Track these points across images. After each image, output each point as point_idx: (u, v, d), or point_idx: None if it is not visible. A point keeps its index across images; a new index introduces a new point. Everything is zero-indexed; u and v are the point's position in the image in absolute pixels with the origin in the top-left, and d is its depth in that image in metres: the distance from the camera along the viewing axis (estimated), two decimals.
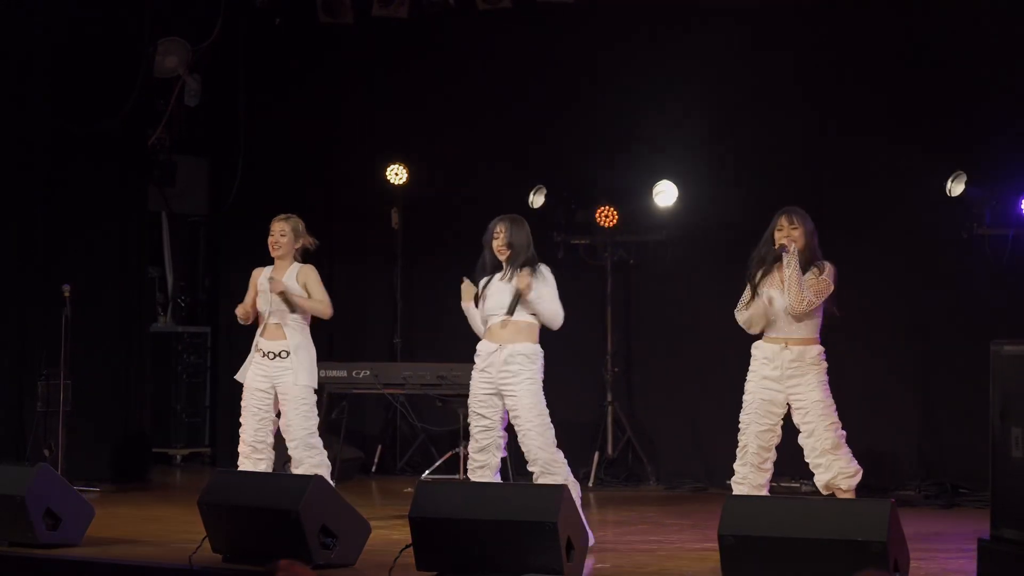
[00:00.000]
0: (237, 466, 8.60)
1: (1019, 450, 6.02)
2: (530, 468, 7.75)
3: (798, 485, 9.87)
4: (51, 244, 10.96)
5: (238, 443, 8.67)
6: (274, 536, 6.80)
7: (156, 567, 7.24)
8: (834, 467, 7.46)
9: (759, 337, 7.75)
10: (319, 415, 8.67)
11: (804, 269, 7.55)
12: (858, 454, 7.60)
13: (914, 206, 10.32)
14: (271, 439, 8.53)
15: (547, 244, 10.36)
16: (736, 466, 7.65)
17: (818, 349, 7.58)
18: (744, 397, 7.69)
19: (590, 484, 10.76)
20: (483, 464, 7.85)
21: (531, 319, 7.82)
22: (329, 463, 8.51)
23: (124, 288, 11.43)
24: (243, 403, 8.61)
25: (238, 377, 8.65)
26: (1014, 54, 10.02)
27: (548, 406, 7.77)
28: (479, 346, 7.89)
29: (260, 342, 8.53)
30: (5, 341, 10.77)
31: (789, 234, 7.59)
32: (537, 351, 7.82)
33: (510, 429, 7.93)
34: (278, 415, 8.50)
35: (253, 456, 8.47)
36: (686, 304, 11.05)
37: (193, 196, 12.79)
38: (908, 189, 10.34)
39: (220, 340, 12.46)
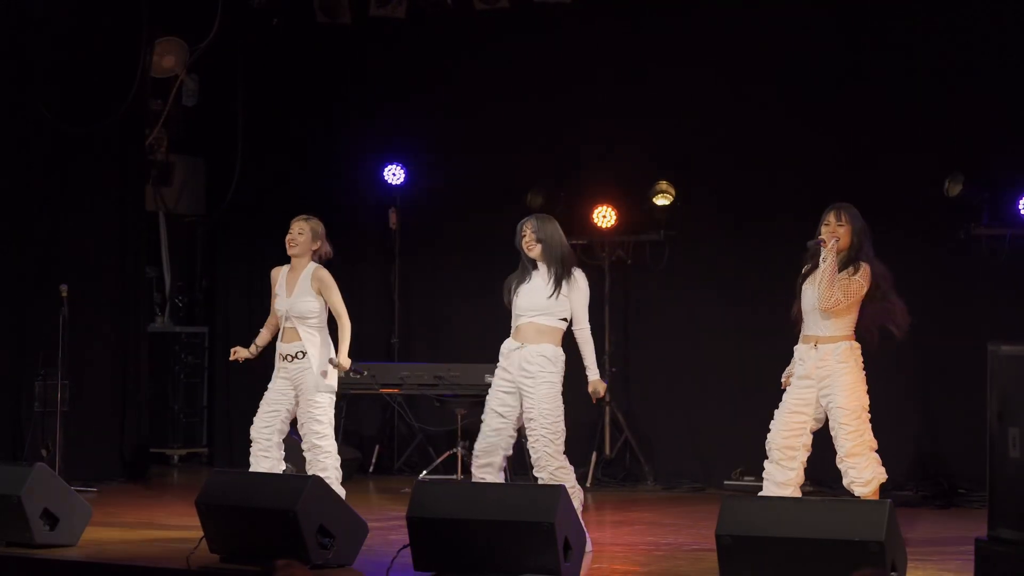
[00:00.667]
0: (241, 465, 8.51)
1: (1016, 450, 6.02)
2: (536, 474, 7.70)
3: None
4: (49, 244, 10.96)
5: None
6: (272, 536, 6.80)
7: (154, 567, 7.23)
8: (850, 474, 7.45)
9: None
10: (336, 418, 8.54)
11: (843, 267, 7.51)
12: None
13: (912, 206, 10.32)
14: (278, 438, 8.43)
15: None
16: (766, 462, 7.64)
17: (846, 345, 7.48)
18: (783, 395, 7.68)
19: (588, 484, 10.75)
20: (487, 462, 7.78)
21: (558, 324, 7.77)
22: (337, 469, 8.33)
23: (122, 288, 11.44)
24: (263, 403, 8.51)
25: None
26: (1012, 54, 10.03)
27: None
28: (504, 344, 7.86)
29: (279, 347, 8.47)
30: (3, 341, 10.76)
31: (835, 231, 7.56)
32: (558, 354, 7.74)
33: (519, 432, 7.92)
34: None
35: (260, 453, 8.38)
36: (684, 304, 11.05)
37: (191, 196, 12.79)
38: (906, 189, 10.34)
39: (218, 340, 12.44)
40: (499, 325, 8.01)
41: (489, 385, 7.95)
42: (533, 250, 7.80)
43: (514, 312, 7.84)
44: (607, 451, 11.12)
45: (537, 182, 11.25)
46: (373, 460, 11.75)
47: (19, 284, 10.85)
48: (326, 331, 8.47)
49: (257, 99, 12.19)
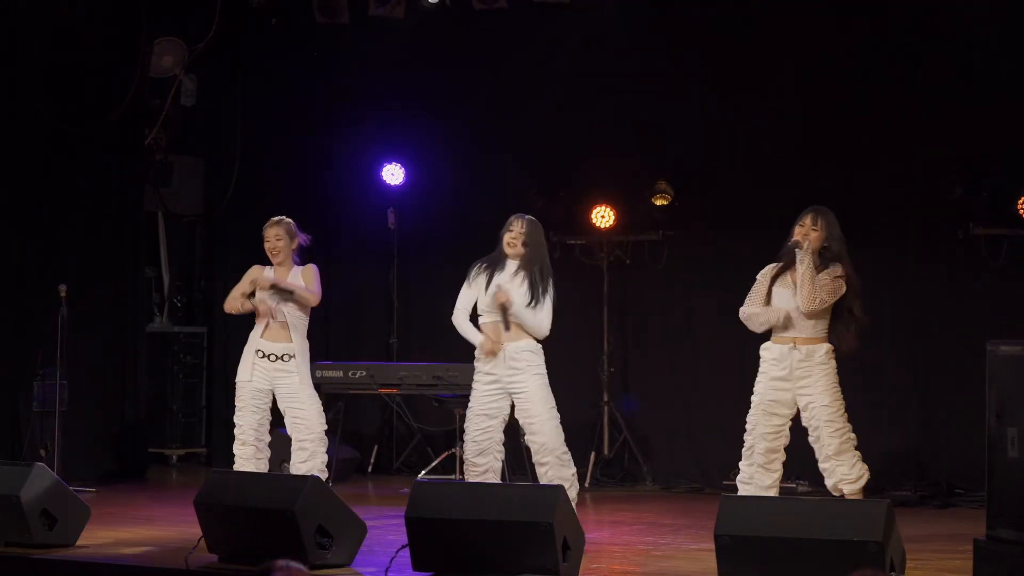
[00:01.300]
0: (234, 465, 8.60)
1: (1015, 450, 6.03)
2: (542, 461, 7.79)
3: (794, 485, 9.88)
4: (47, 244, 10.95)
5: (234, 443, 8.68)
6: (270, 536, 6.80)
7: (152, 567, 7.23)
8: (837, 472, 7.47)
9: (764, 337, 7.76)
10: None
11: (819, 269, 7.52)
12: None
13: (911, 207, 10.33)
14: (268, 438, 8.60)
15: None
16: (742, 465, 7.66)
17: (826, 347, 7.56)
18: (752, 398, 7.70)
19: (586, 484, 10.76)
20: (485, 469, 7.87)
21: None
22: (323, 461, 8.57)
23: (120, 288, 11.43)
24: (240, 402, 8.60)
25: (239, 378, 8.64)
26: (1011, 54, 10.03)
27: None
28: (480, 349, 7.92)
29: (261, 343, 8.50)
30: (1, 341, 10.76)
31: (808, 232, 7.58)
32: (539, 347, 7.94)
33: (511, 431, 7.94)
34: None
35: (255, 456, 8.47)
36: (682, 304, 11.05)
37: (189, 196, 12.78)
38: (905, 190, 10.35)
39: (216, 340, 12.45)
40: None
41: None
42: (514, 248, 7.90)
43: (481, 306, 7.94)
44: (606, 451, 11.12)
45: (536, 182, 11.25)
46: (372, 460, 11.75)
47: (18, 284, 10.85)
48: (305, 334, 8.58)
49: (256, 99, 12.19)
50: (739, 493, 7.64)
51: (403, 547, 6.53)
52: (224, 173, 12.24)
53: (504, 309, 7.87)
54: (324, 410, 8.78)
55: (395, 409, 11.71)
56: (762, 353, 7.72)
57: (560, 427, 7.90)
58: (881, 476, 9.93)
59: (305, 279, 8.58)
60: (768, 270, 7.81)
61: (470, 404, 8.06)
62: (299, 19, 11.82)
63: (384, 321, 12.12)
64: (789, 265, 7.66)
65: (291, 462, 8.59)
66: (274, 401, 8.63)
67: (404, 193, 11.98)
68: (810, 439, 7.60)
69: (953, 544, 7.73)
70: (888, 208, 10.39)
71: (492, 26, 11.43)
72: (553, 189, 11.25)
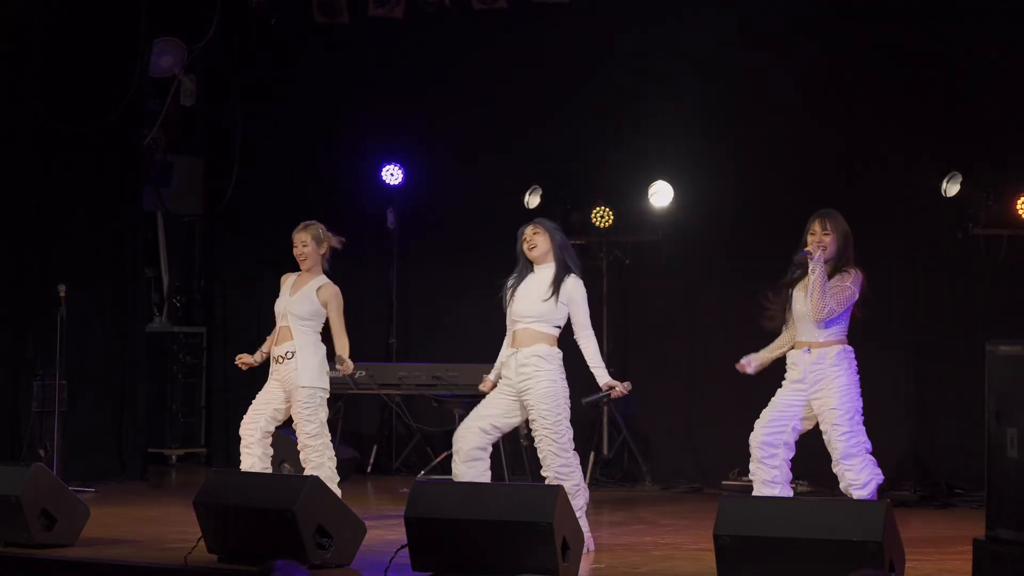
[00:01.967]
0: (236, 465, 8.55)
1: (1014, 450, 6.03)
2: (543, 473, 7.68)
3: (794, 485, 9.87)
4: (47, 244, 10.96)
5: (237, 443, 8.64)
6: (270, 536, 6.80)
7: (151, 567, 7.23)
8: (847, 477, 7.43)
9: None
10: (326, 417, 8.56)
11: (832, 274, 7.50)
12: None
13: (909, 206, 10.33)
14: (259, 435, 8.38)
15: None
16: (750, 463, 7.63)
17: (838, 349, 7.48)
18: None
19: (586, 484, 10.75)
20: (465, 456, 7.67)
21: (552, 331, 7.73)
22: (332, 468, 8.35)
23: (120, 288, 11.43)
24: (255, 402, 8.51)
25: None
26: (1010, 54, 10.03)
27: None
28: (500, 354, 7.86)
29: (273, 349, 8.47)
30: (1, 341, 10.76)
31: (821, 240, 7.54)
32: (553, 352, 7.70)
33: (511, 431, 7.89)
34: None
35: (243, 450, 8.38)
36: (681, 304, 11.05)
37: (189, 196, 12.78)
38: (904, 189, 10.35)
39: (216, 340, 12.45)
40: (497, 325, 8.01)
41: None
42: (534, 250, 7.77)
43: (510, 318, 7.82)
44: (605, 451, 11.12)
45: (535, 182, 11.25)
46: (371, 460, 11.75)
47: (17, 284, 10.86)
48: (319, 337, 8.46)
49: (255, 99, 12.18)
50: (754, 492, 7.59)
51: (402, 547, 6.53)
52: (223, 173, 12.24)
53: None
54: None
55: (395, 409, 11.71)
56: (787, 358, 7.69)
57: (565, 441, 7.63)
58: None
59: (329, 310, 8.42)
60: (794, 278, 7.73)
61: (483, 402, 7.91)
62: (298, 19, 11.82)
63: (383, 321, 12.12)
64: (804, 274, 7.62)
65: (301, 458, 8.47)
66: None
67: (404, 193, 11.98)
68: (825, 441, 7.56)
69: (953, 544, 7.74)
70: (888, 208, 10.38)
71: (492, 26, 11.43)
72: (553, 189, 11.25)
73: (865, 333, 10.15)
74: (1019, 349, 6.14)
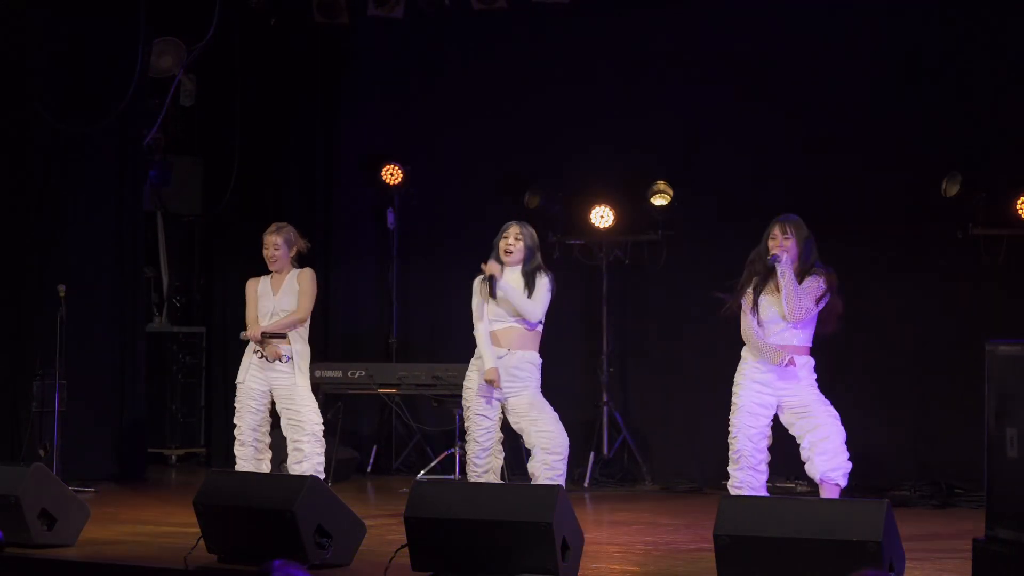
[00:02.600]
0: (234, 466, 8.61)
1: (1014, 450, 6.02)
2: (548, 456, 7.83)
3: (793, 485, 9.89)
4: (46, 244, 10.95)
5: (234, 444, 8.71)
6: (269, 536, 6.80)
7: (151, 567, 7.22)
8: (835, 460, 7.48)
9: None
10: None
11: (800, 277, 7.55)
12: (853, 454, 7.63)
13: (909, 206, 10.33)
14: (268, 439, 8.63)
15: (543, 244, 10.35)
16: (733, 471, 7.64)
17: (805, 359, 7.62)
18: (733, 400, 7.70)
19: (586, 484, 10.77)
20: (487, 468, 7.93)
21: (538, 328, 7.93)
22: (319, 462, 8.60)
23: (119, 288, 11.43)
24: (238, 403, 8.64)
25: (238, 379, 8.68)
26: (1009, 55, 10.03)
27: None
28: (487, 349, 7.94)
29: (259, 345, 8.52)
30: (1, 341, 10.76)
31: (781, 244, 7.61)
32: (539, 360, 8.06)
33: (511, 431, 7.96)
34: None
35: (255, 457, 8.51)
36: (681, 304, 11.04)
37: (188, 196, 12.78)
38: (904, 190, 10.35)
39: (215, 340, 12.45)
40: None
41: None
42: (511, 256, 7.94)
43: (486, 316, 7.94)
44: (605, 451, 11.12)
45: (535, 182, 11.25)
46: (371, 460, 11.75)
47: (17, 284, 10.85)
48: (306, 336, 8.58)
49: (255, 99, 12.18)
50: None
51: (402, 547, 6.53)
52: (223, 173, 12.23)
53: (492, 279, 7.93)
54: (323, 410, 8.80)
55: (394, 409, 11.71)
56: (744, 354, 7.73)
57: (557, 429, 7.96)
58: (880, 476, 9.96)
59: (300, 282, 8.59)
60: (746, 292, 7.75)
61: (465, 403, 8.11)
62: (298, 19, 11.82)
63: (383, 321, 12.12)
64: (768, 276, 7.68)
65: (287, 463, 8.61)
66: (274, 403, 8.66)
67: (404, 193, 11.97)
68: (797, 431, 7.62)
69: (952, 544, 7.74)
70: (887, 208, 10.39)
71: (492, 26, 11.43)
72: (552, 189, 11.25)
73: (865, 333, 10.20)
74: (1019, 349, 6.14)
